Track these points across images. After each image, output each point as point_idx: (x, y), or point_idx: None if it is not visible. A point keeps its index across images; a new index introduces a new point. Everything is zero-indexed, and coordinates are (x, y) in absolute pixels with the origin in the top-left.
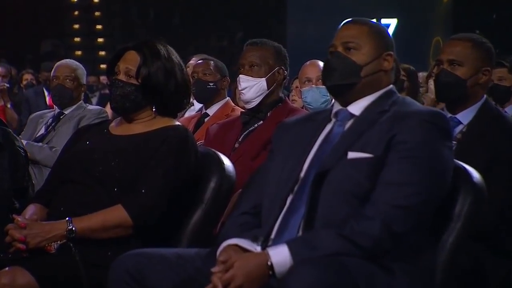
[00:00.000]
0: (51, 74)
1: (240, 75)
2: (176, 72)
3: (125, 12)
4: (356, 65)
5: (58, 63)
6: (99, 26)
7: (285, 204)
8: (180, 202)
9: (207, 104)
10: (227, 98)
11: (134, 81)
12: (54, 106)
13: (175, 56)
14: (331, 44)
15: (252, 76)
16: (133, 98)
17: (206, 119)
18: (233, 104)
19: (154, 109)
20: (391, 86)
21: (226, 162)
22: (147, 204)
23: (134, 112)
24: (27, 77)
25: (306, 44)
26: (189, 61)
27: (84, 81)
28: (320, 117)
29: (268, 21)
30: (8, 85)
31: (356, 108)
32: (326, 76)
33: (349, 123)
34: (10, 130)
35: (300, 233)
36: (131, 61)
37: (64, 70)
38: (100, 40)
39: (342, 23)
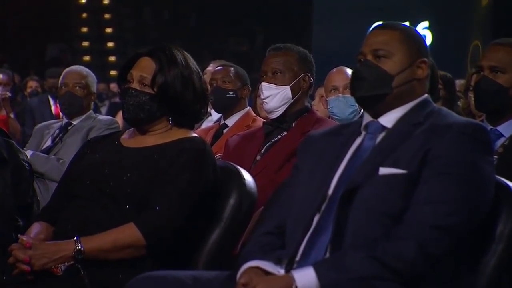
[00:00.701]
0: (59, 81)
1: (262, 83)
2: (194, 80)
3: (137, 14)
4: (387, 74)
5: (67, 69)
6: (109, 29)
7: (311, 223)
8: (197, 221)
9: (226, 114)
10: (248, 107)
11: (149, 90)
12: (61, 116)
13: (192, 63)
14: (359, 52)
15: (275, 84)
16: (148, 108)
17: (225, 130)
18: (254, 114)
19: (170, 120)
20: (426, 95)
21: (247, 177)
22: (162, 222)
23: (149, 123)
24: (32, 84)
25: (333, 49)
26: (206, 67)
27: (94, 89)
28: (349, 129)
29: (292, 24)
30: (10, 94)
31: (388, 120)
32: (354, 86)
33: (380, 136)
34: (14, 142)
35: (328, 255)
36: (145, 68)
37: (74, 76)
38: (110, 44)
39: (372, 28)
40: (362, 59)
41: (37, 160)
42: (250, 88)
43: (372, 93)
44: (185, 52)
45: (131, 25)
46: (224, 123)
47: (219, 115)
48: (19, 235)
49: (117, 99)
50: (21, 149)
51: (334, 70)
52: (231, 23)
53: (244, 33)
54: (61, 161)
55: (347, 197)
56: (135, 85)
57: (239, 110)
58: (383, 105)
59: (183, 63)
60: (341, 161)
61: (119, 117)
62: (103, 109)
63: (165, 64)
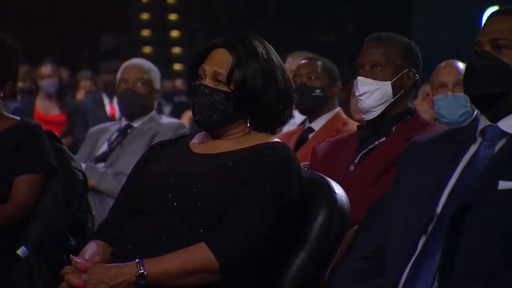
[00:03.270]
0: (118, 77)
1: (359, 77)
2: (277, 76)
3: None
4: (510, 69)
5: (126, 63)
6: (173, 16)
7: (415, 247)
8: (279, 242)
9: (312, 115)
10: (338, 108)
11: (224, 88)
12: (118, 117)
13: (276, 56)
14: (475, 41)
15: (374, 79)
16: (223, 108)
17: (310, 135)
18: (345, 117)
19: (248, 123)
20: None
21: (338, 190)
22: (238, 243)
23: (223, 127)
24: (85, 84)
25: (438, 40)
26: (285, 60)
27: (158, 86)
28: (461, 135)
29: (387, 10)
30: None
31: (510, 124)
32: (469, 83)
33: (500, 144)
34: (66, 148)
35: (435, 285)
36: (220, 62)
37: (135, 71)
38: (175, 33)
39: (490, 14)
40: (478, 51)
41: (91, 174)
42: (341, 86)
43: (491, 92)
44: (266, 43)
45: (199, 12)
46: (310, 126)
47: (304, 117)
48: (71, 256)
49: (182, 98)
50: (74, 157)
51: (443, 64)
52: (315, 9)
53: (331, 21)
54: (119, 176)
55: (459, 216)
56: (208, 81)
57: (328, 112)
58: (503, 106)
59: (265, 56)
60: (451, 174)
61: (185, 119)
62: (166, 109)
63: (244, 58)
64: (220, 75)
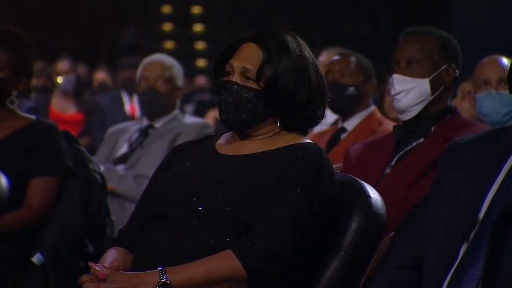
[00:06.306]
0: (137, 74)
1: (394, 75)
2: (310, 74)
3: None
4: None
5: (146, 59)
6: (197, 9)
7: (456, 255)
8: (311, 249)
9: (345, 115)
10: (373, 107)
11: (253, 85)
12: (138, 116)
13: (308, 52)
14: None
15: (410, 76)
16: (251, 107)
17: (343, 136)
18: (380, 116)
19: (278, 123)
20: None
21: (373, 194)
22: (267, 250)
23: (252, 126)
24: (100, 76)
25: (480, 33)
26: (318, 56)
27: (181, 83)
28: (505, 136)
29: (425, 2)
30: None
31: None
32: None
33: None
34: (83, 149)
35: None
36: (250, 57)
37: (156, 68)
38: (199, 27)
39: None
40: None
41: (110, 177)
42: (376, 83)
43: None
44: (298, 38)
45: (225, 3)
46: (342, 126)
47: (336, 116)
48: (90, 263)
49: (205, 97)
50: (91, 158)
51: (486, 59)
52: (349, 1)
53: (365, 13)
54: (140, 179)
55: (503, 222)
56: (236, 78)
57: (361, 110)
58: None
59: (297, 51)
60: (495, 177)
61: (210, 118)
62: (189, 108)
63: (275, 53)
64: (249, 72)
